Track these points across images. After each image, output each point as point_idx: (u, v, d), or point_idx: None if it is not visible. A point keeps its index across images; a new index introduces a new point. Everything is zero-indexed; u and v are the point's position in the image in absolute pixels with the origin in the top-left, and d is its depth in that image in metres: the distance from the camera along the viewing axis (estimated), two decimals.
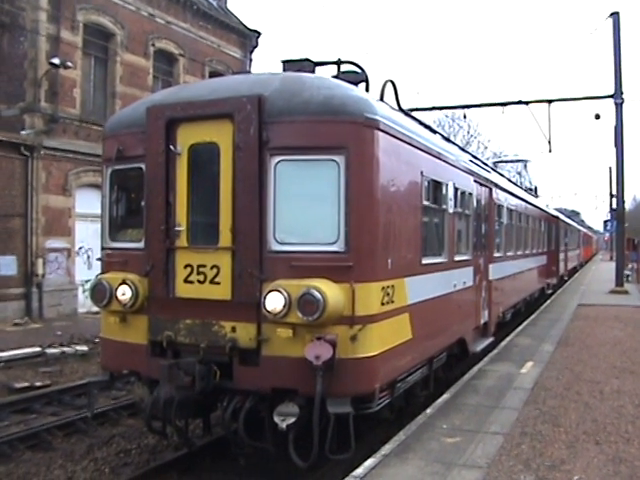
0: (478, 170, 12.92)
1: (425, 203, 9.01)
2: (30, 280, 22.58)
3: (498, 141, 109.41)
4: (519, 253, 18.30)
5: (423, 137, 9.18)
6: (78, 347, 17.03)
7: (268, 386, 7.08)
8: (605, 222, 61.59)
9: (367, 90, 8.57)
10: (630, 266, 41.09)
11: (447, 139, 12.50)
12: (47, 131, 23.16)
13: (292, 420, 6.90)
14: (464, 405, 9.29)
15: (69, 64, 22.65)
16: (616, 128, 27.35)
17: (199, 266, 7.45)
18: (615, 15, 27.83)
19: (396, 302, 7.73)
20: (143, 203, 7.92)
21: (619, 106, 27.04)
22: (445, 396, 9.82)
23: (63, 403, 12.34)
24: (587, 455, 7.24)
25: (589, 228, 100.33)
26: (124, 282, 7.69)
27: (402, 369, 8.15)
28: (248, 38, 33.77)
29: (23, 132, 22.57)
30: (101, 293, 7.88)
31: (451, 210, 10.29)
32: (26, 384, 13.44)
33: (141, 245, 7.90)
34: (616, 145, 27.59)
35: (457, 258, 10.71)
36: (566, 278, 37.32)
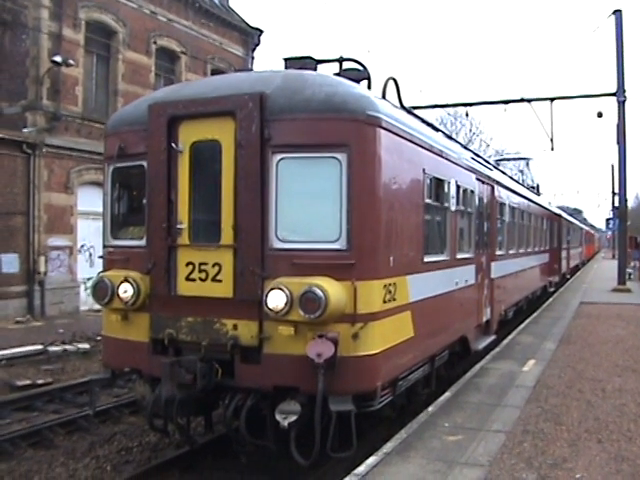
0: (480, 168, 12.91)
1: (427, 201, 9.00)
2: (32, 278, 22.59)
3: (500, 139, 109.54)
4: (521, 251, 18.28)
5: (425, 135, 9.16)
6: (80, 345, 17.06)
7: (270, 384, 7.08)
8: (607, 220, 61.46)
9: (369, 88, 8.55)
10: (632, 264, 41.03)
11: (449, 137, 12.48)
12: (49, 129, 23.16)
13: (294, 418, 6.90)
14: (466, 403, 9.28)
15: (71, 62, 22.62)
16: (618, 126, 27.30)
17: (201, 264, 7.44)
18: (618, 13, 27.77)
19: (398, 300, 7.72)
20: (145, 201, 7.92)
21: (621, 104, 26.99)
22: (447, 394, 9.81)
23: (65, 401, 12.34)
24: (589, 453, 7.23)
25: (591, 226, 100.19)
26: (126, 280, 7.69)
27: (404, 367, 8.14)
28: (250, 36, 33.74)
29: (25, 130, 22.58)
30: (103, 291, 7.88)
31: (453, 208, 10.27)
32: (28, 382, 13.45)
33: (143, 243, 7.90)
34: (618, 143, 27.55)
35: (459, 256, 10.69)
36: (568, 276, 37.28)
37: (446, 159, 9.98)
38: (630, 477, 6.56)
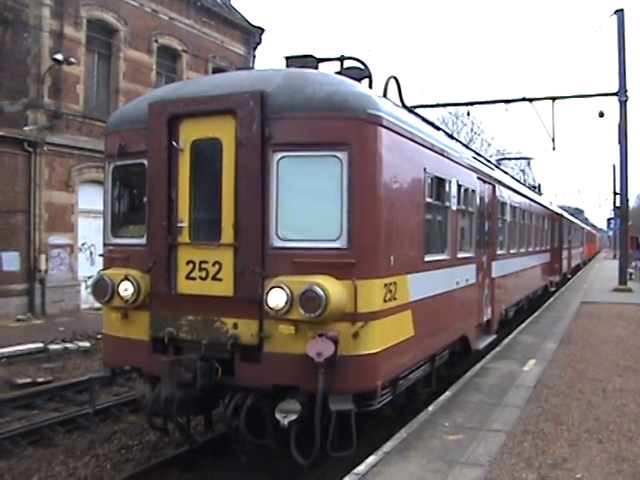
0: (481, 167, 12.89)
1: (428, 200, 8.98)
2: (33, 276, 22.61)
3: (502, 138, 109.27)
4: (522, 251, 18.26)
5: (426, 134, 9.14)
6: (80, 343, 17.07)
7: (270, 383, 7.07)
8: (609, 220, 61.45)
9: (370, 86, 8.54)
10: (634, 264, 40.99)
11: (450, 136, 12.47)
12: (50, 127, 23.15)
13: (294, 417, 6.88)
14: (466, 403, 9.27)
15: (72, 60, 22.63)
16: (620, 126, 27.29)
17: (201, 262, 7.43)
18: (620, 12, 27.74)
19: (398, 299, 7.71)
20: (145, 199, 7.91)
21: (623, 104, 26.97)
22: (447, 393, 9.80)
23: (65, 399, 12.34)
24: (589, 453, 7.21)
25: (592, 226, 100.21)
26: (126, 278, 7.68)
27: (404, 366, 8.13)
28: (251, 34, 33.72)
29: (26, 128, 22.57)
30: (103, 289, 7.87)
31: (454, 207, 10.26)
32: (28, 380, 13.45)
33: (143, 241, 7.89)
34: (620, 142, 27.54)
35: (460, 255, 10.68)
36: (569, 276, 37.25)
37: (447, 158, 9.96)
38: (630, 477, 6.54)
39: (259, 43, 34.28)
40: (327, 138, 7.04)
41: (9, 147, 21.81)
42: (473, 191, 11.69)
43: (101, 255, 8.81)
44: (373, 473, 6.56)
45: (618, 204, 32.54)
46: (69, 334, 18.22)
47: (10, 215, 21.96)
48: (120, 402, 11.71)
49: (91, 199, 23.07)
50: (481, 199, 12.57)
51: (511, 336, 15.54)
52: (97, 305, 10.90)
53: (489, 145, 53.12)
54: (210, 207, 7.52)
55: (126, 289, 7.67)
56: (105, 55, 26.05)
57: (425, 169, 8.79)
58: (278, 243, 7.11)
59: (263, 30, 34.29)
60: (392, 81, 8.88)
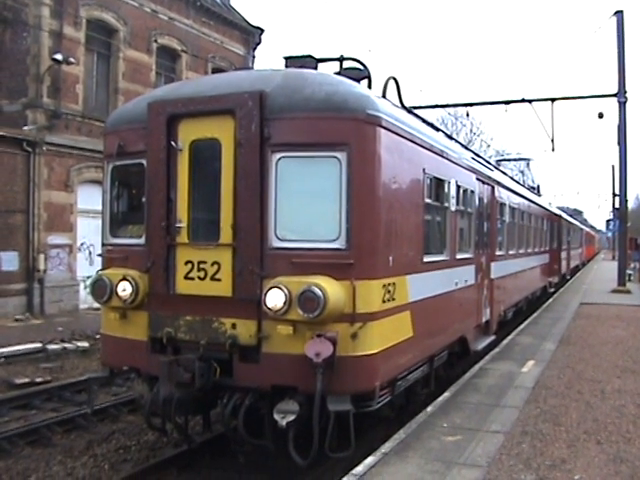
0: (480, 168, 12.89)
1: (427, 201, 8.98)
2: (31, 276, 22.59)
3: (501, 139, 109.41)
4: (521, 251, 18.26)
5: (425, 134, 9.14)
6: (79, 343, 17.05)
7: (268, 383, 7.06)
8: (608, 221, 61.51)
9: (369, 87, 8.52)
10: (632, 265, 41.03)
11: (450, 137, 12.47)
12: (49, 127, 23.13)
13: (292, 418, 6.87)
14: (465, 404, 9.27)
15: (72, 60, 22.62)
16: (619, 127, 27.29)
17: (200, 262, 7.43)
18: (619, 14, 27.75)
19: (397, 300, 7.70)
20: (144, 199, 7.90)
21: (622, 105, 26.98)
22: (446, 394, 9.80)
23: (63, 399, 12.32)
24: (588, 454, 7.21)
25: (591, 227, 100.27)
26: (124, 278, 7.67)
27: (403, 367, 8.12)
28: (251, 35, 33.72)
29: (25, 128, 22.55)
30: (101, 289, 7.86)
31: (453, 208, 10.26)
32: (26, 380, 13.44)
33: (142, 241, 7.88)
34: (619, 144, 27.55)
35: (459, 256, 10.68)
36: (568, 277, 37.29)
37: (446, 159, 9.96)
38: (629, 478, 6.54)
39: (258, 43, 34.28)
40: (326, 138, 7.03)
41: (8, 147, 21.79)
42: (472, 192, 11.69)
43: (100, 255, 8.81)
44: (371, 474, 6.55)
45: (617, 205, 32.55)
46: (68, 334, 18.20)
47: (9, 215, 21.95)
48: (118, 402, 11.70)
49: (90, 199, 23.06)
50: (480, 200, 12.57)
51: (510, 337, 15.54)
52: (96, 305, 10.90)
53: (488, 146, 53.15)
54: (209, 207, 7.51)
55: (124, 289, 7.66)
56: (104, 55, 26.04)
57: (424, 170, 8.79)
58: (277, 243, 7.10)
59: (262, 30, 34.30)
60: (391, 82, 8.88)
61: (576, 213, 72.60)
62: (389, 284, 7.47)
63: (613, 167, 47.97)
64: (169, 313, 7.58)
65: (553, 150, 28.26)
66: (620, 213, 30.58)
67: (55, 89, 23.24)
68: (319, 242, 7.04)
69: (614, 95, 27.04)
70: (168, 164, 7.58)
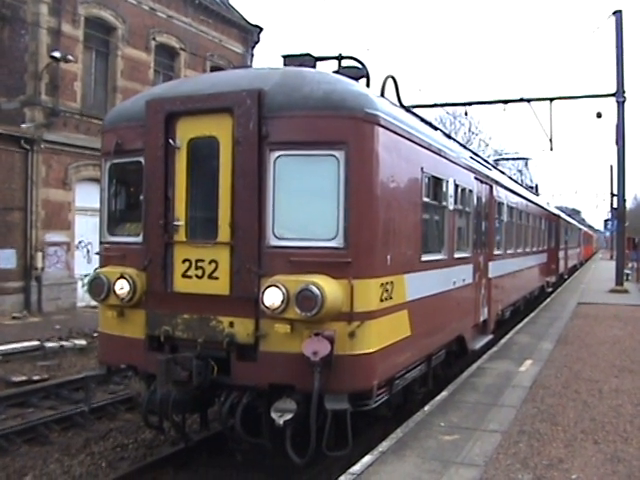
0: (479, 167, 12.89)
1: (425, 199, 8.97)
2: (29, 274, 22.57)
3: (499, 139, 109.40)
4: (519, 251, 18.27)
5: (424, 133, 9.13)
6: (77, 341, 17.02)
7: (265, 382, 7.05)
8: (606, 221, 61.57)
9: (368, 86, 8.51)
10: (630, 265, 41.07)
11: (448, 136, 12.45)
12: (47, 125, 23.10)
13: (289, 416, 6.87)
14: (462, 403, 9.27)
15: (70, 57, 22.58)
16: (618, 126, 27.28)
17: (197, 261, 7.42)
18: (618, 13, 27.74)
19: (395, 299, 7.70)
20: (142, 197, 7.88)
21: (621, 104, 26.98)
22: (443, 393, 9.80)
23: (61, 397, 12.31)
24: (585, 454, 7.21)
25: (589, 227, 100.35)
26: (122, 276, 7.66)
27: (400, 366, 8.12)
28: (250, 33, 33.69)
29: (23, 125, 22.52)
30: (99, 287, 7.85)
31: (451, 207, 10.25)
32: (24, 378, 13.43)
33: (139, 239, 7.87)
34: (617, 143, 27.54)
35: (457, 255, 10.68)
36: (566, 276, 37.31)
37: (444, 158, 9.95)
38: (626, 478, 6.54)
39: (257, 42, 34.24)
40: (324, 137, 7.02)
41: (6, 144, 21.76)
42: (470, 191, 11.69)
43: (97, 253, 8.79)
44: (369, 473, 6.54)
45: (615, 205, 32.56)
46: (65, 332, 18.17)
47: (7, 213, 21.92)
48: (116, 400, 11.69)
49: (88, 197, 23.04)
50: (478, 199, 12.57)
51: (508, 336, 15.55)
52: (93, 303, 10.88)
53: (487, 145, 53.22)
54: (207, 205, 7.50)
55: (122, 287, 7.65)
56: (103, 53, 26.01)
57: (422, 169, 8.78)
58: (274, 242, 7.10)
59: (261, 29, 34.26)
60: (390, 80, 8.86)
61: (574, 213, 72.67)
62: (387, 283, 7.46)
63: (611, 167, 47.91)
64: (167, 311, 7.57)
65: (551, 150, 28.32)
66: (618, 213, 30.58)
67: (53, 87, 23.20)
68: (317, 241, 7.04)
69: (612, 95, 27.04)
70: (166, 162, 7.56)
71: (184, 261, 7.50)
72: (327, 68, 8.70)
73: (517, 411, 8.84)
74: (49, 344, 16.37)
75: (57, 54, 22.07)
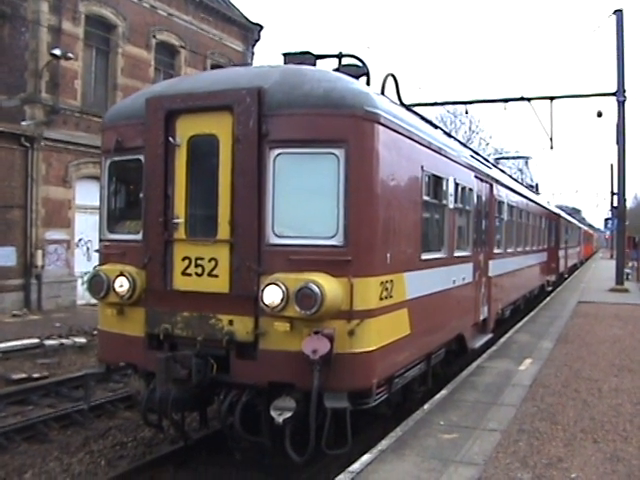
0: (479, 166, 12.88)
1: (425, 198, 8.96)
2: (29, 271, 22.57)
3: (500, 137, 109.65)
4: (519, 250, 18.26)
5: (424, 132, 9.12)
6: (76, 339, 17.03)
7: (265, 380, 7.05)
8: (606, 220, 61.47)
9: (368, 84, 8.51)
10: (630, 264, 41.05)
11: (448, 134, 12.45)
12: (47, 122, 23.10)
13: (289, 414, 6.87)
14: (462, 401, 9.26)
15: (70, 55, 22.59)
16: (618, 126, 27.26)
17: (197, 259, 7.41)
18: (618, 12, 27.71)
19: (395, 297, 7.69)
20: (141, 195, 7.87)
21: (621, 104, 26.95)
22: (443, 392, 9.79)
23: (60, 395, 12.33)
24: (585, 453, 7.21)
25: (590, 226, 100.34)
26: (122, 274, 7.65)
27: (400, 364, 8.11)
28: (250, 31, 33.67)
29: (23, 123, 22.51)
30: (99, 285, 7.84)
31: (451, 205, 10.24)
32: (23, 375, 13.44)
33: (139, 237, 7.85)
34: (618, 143, 27.51)
35: (457, 254, 10.67)
36: (566, 275, 37.30)
37: (445, 156, 9.94)
38: (626, 477, 6.54)
39: (257, 40, 34.22)
40: (324, 135, 7.01)
41: (6, 142, 21.75)
42: (470, 190, 11.67)
43: (97, 251, 8.79)
44: (368, 471, 6.54)
45: (615, 204, 32.54)
46: (65, 330, 18.19)
47: (7, 210, 21.91)
48: (115, 398, 11.70)
49: (88, 195, 23.05)
50: (478, 198, 12.55)
51: (507, 335, 15.54)
52: (93, 301, 10.88)
53: (487, 144, 53.19)
54: (206, 203, 7.49)
55: (122, 285, 7.64)
56: (103, 51, 26.00)
57: (422, 167, 8.77)
58: (274, 240, 7.09)
59: (261, 27, 34.24)
60: (390, 79, 8.85)
61: (574, 212, 72.60)
62: (386, 281, 7.45)
63: (612, 166, 47.86)
64: (166, 309, 7.56)
65: (552, 148, 28.25)
66: (618, 212, 30.54)
67: (53, 84, 23.20)
68: (317, 239, 7.03)
69: (613, 94, 27.01)
70: (166, 160, 7.55)
71: (184, 259, 7.49)
72: (327, 66, 8.71)
73: (517, 410, 8.83)
74: (49, 342, 16.37)
75: (57, 52, 22.06)
